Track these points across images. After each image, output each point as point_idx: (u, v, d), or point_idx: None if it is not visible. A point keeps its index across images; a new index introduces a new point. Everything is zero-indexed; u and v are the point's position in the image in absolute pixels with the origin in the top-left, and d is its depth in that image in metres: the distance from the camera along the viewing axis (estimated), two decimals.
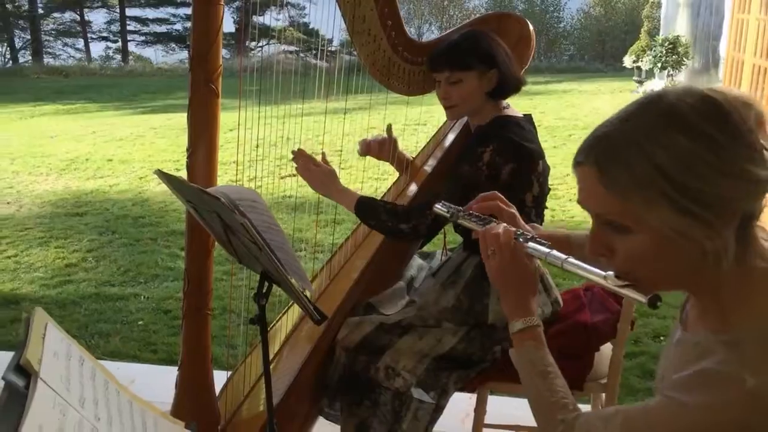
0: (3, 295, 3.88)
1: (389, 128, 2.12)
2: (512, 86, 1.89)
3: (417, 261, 2.14)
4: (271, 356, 2.05)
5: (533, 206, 1.87)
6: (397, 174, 2.23)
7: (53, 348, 0.97)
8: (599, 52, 18.37)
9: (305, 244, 4.18)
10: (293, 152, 2.04)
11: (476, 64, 1.85)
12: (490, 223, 1.21)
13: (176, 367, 3.00)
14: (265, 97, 1.90)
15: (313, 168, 1.99)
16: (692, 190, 0.84)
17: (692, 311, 1.01)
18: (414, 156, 2.19)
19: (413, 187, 2.05)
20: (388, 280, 2.01)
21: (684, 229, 0.86)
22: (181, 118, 10.92)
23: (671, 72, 7.57)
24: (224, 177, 7.09)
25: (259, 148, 2.10)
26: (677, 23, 10.04)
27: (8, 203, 5.91)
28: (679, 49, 7.50)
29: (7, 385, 0.81)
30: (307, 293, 1.53)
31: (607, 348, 1.97)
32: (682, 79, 7.87)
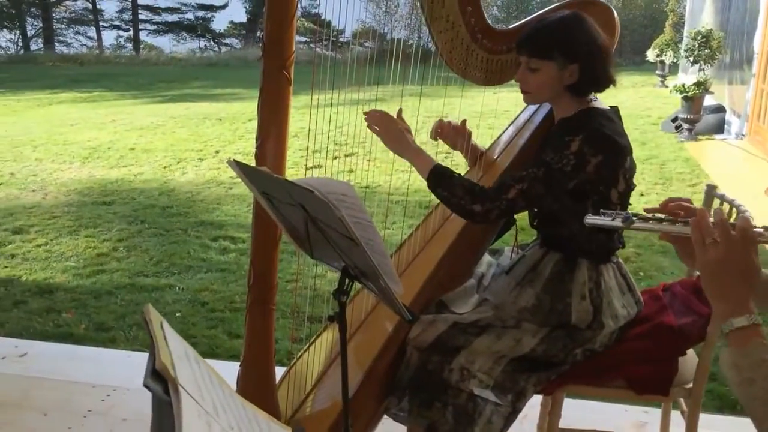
0: (37, 284, 3.83)
1: (464, 122, 2.04)
2: (595, 84, 1.79)
3: (486, 258, 2.06)
4: (332, 353, 1.99)
5: (618, 203, 1.79)
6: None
7: (176, 350, 0.90)
8: (618, 46, 18.21)
9: None
10: (365, 112, 1.95)
11: (556, 56, 1.75)
12: (677, 222, 1.09)
13: (218, 361, 3.00)
14: None
15: (388, 121, 1.90)
16: None
17: None
18: (486, 148, 2.11)
19: (489, 180, 1.97)
20: (461, 276, 1.94)
21: None
22: (198, 108, 10.96)
23: (703, 66, 7.43)
24: None
25: None
26: (703, 16, 9.89)
27: (33, 191, 5.86)
28: (712, 43, 7.35)
29: (154, 395, 0.74)
30: (397, 291, 1.45)
31: (689, 350, 1.89)
32: (714, 74, 7.74)
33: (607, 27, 1.92)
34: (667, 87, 10.74)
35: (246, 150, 7.33)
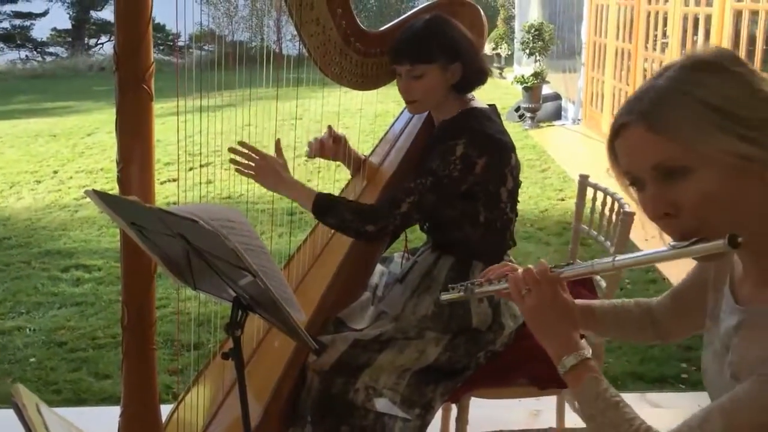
0: None
1: (330, 128, 1.96)
2: (477, 78, 1.80)
3: (377, 267, 2.00)
4: (227, 387, 1.84)
5: (508, 201, 1.80)
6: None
7: None
8: None
9: None
10: (230, 149, 1.83)
11: (439, 57, 1.73)
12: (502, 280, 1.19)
13: (87, 408, 2.71)
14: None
15: (257, 161, 1.80)
16: (738, 116, 0.88)
17: (746, 286, 0.99)
18: (367, 155, 2.04)
19: (374, 188, 1.91)
20: (357, 290, 1.86)
21: (746, 153, 0.88)
22: (27, 125, 9.95)
23: (538, 58, 7.88)
24: (95, 186, 6.45)
25: None
26: (531, 10, 10.49)
27: None
28: (545, 35, 7.82)
29: None
30: (300, 319, 1.34)
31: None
32: (547, 64, 8.23)
33: (475, 26, 1.93)
34: (504, 78, 11.32)
35: (89, 167, 6.77)
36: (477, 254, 1.79)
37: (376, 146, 2.07)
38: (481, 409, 2.12)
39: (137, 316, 1.69)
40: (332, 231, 1.92)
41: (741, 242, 0.86)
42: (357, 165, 2.01)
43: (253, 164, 1.80)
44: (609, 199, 1.97)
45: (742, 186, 0.89)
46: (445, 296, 1.30)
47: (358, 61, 1.84)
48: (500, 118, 1.85)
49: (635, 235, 1.85)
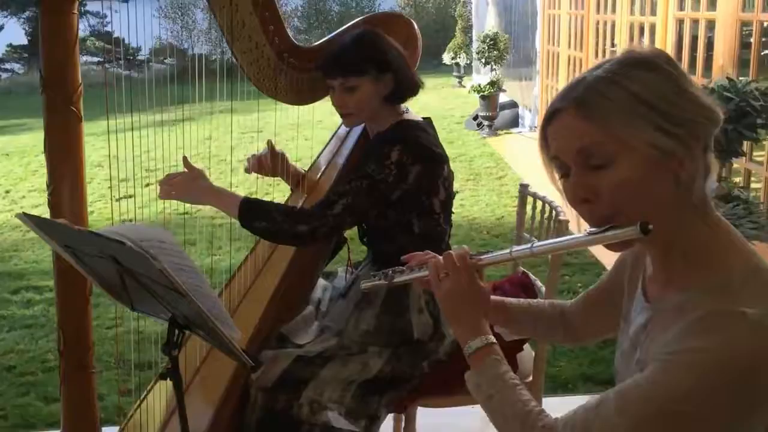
0: None
1: (270, 143, 1.96)
2: (409, 89, 1.82)
3: (320, 282, 2.00)
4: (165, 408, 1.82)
5: (441, 211, 1.82)
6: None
7: None
8: None
9: None
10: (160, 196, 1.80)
11: (370, 69, 1.76)
12: (423, 268, 1.21)
13: None
14: None
15: (174, 181, 1.77)
16: (663, 111, 0.93)
17: (655, 285, 1.03)
18: (307, 170, 2.05)
19: (313, 199, 1.91)
20: (298, 305, 1.86)
21: (666, 147, 0.92)
22: None
23: (494, 66, 7.99)
24: (45, 207, 6.29)
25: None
26: (487, 20, 10.63)
27: None
28: (500, 45, 7.93)
29: None
30: (235, 338, 1.34)
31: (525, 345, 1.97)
32: (504, 72, 8.34)
33: (410, 39, 1.96)
34: (464, 87, 11.42)
35: (43, 186, 6.58)
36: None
37: (317, 157, 2.08)
38: (436, 417, 2.15)
39: (74, 339, 1.66)
40: (271, 248, 1.92)
41: (651, 229, 0.90)
42: (296, 180, 2.02)
43: (168, 186, 1.76)
44: (547, 208, 2.01)
45: (657, 179, 0.93)
46: (365, 284, 1.30)
47: (294, 76, 1.85)
48: (435, 131, 1.87)
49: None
